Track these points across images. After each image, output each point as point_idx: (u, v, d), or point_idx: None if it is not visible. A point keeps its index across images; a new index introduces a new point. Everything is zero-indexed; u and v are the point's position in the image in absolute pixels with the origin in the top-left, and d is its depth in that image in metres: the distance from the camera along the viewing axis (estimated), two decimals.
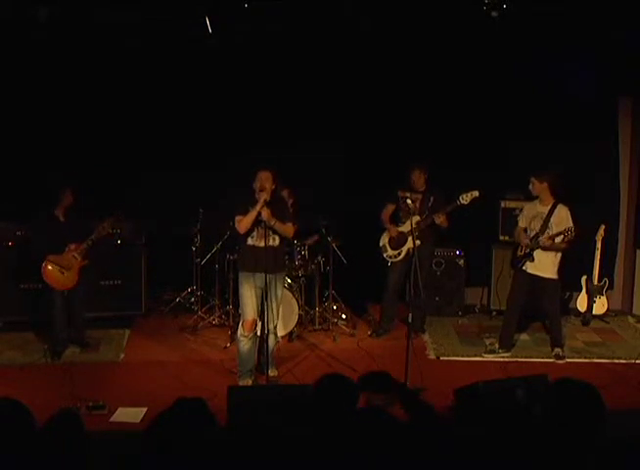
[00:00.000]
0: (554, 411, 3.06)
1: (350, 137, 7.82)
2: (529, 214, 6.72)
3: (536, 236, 6.58)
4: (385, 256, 7.28)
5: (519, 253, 6.72)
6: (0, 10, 6.23)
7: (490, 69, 7.47)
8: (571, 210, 6.56)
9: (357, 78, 7.56)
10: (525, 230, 6.74)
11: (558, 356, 6.75)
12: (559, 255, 6.61)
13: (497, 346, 6.87)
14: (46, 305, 6.61)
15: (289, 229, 5.96)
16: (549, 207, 6.59)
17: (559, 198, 6.62)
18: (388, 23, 6.75)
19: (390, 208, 7.29)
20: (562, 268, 6.71)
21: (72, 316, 6.74)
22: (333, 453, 3.01)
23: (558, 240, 6.48)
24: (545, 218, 6.56)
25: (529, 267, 6.64)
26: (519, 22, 6.60)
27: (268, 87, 7.60)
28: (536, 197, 6.67)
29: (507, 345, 6.86)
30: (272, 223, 5.75)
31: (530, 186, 6.60)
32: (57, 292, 6.52)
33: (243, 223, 5.84)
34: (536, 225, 6.62)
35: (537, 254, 6.58)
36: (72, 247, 6.47)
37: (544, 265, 6.60)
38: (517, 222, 6.93)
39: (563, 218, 6.52)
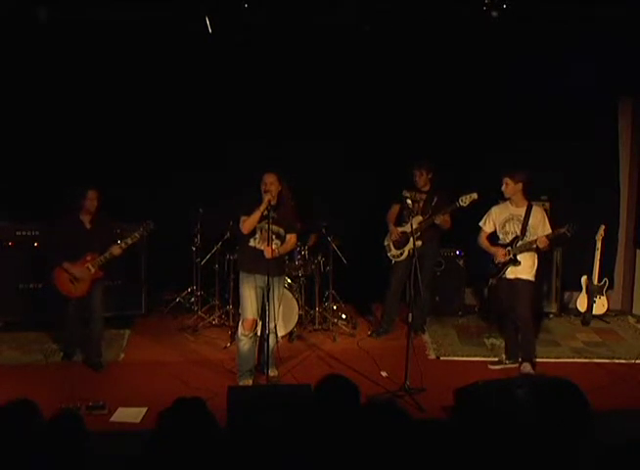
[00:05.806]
0: (540, 412, 3.09)
1: (351, 137, 7.81)
2: (501, 218, 6.35)
3: (516, 239, 6.27)
4: (388, 255, 7.28)
5: (498, 259, 6.29)
6: (0, 10, 6.23)
7: (491, 68, 7.47)
8: (545, 209, 6.34)
9: (358, 78, 7.56)
10: (493, 235, 6.43)
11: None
12: (537, 257, 6.31)
13: (504, 357, 6.52)
14: (59, 308, 6.39)
15: (291, 244, 6.06)
16: (524, 208, 6.26)
17: (530, 199, 6.36)
18: (388, 23, 6.75)
19: (396, 208, 7.28)
20: (539, 273, 6.42)
21: (90, 338, 6.43)
22: (332, 453, 3.01)
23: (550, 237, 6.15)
24: (523, 221, 6.24)
25: (509, 273, 6.28)
26: (519, 22, 6.60)
27: (268, 88, 7.60)
28: (506, 199, 6.33)
29: (514, 355, 6.46)
30: (276, 254, 5.81)
31: (503, 187, 6.21)
32: (71, 300, 6.31)
33: (247, 224, 5.86)
34: (514, 228, 6.27)
35: (520, 257, 6.24)
36: (89, 257, 6.18)
37: (523, 267, 6.25)
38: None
39: (540, 220, 6.23)
